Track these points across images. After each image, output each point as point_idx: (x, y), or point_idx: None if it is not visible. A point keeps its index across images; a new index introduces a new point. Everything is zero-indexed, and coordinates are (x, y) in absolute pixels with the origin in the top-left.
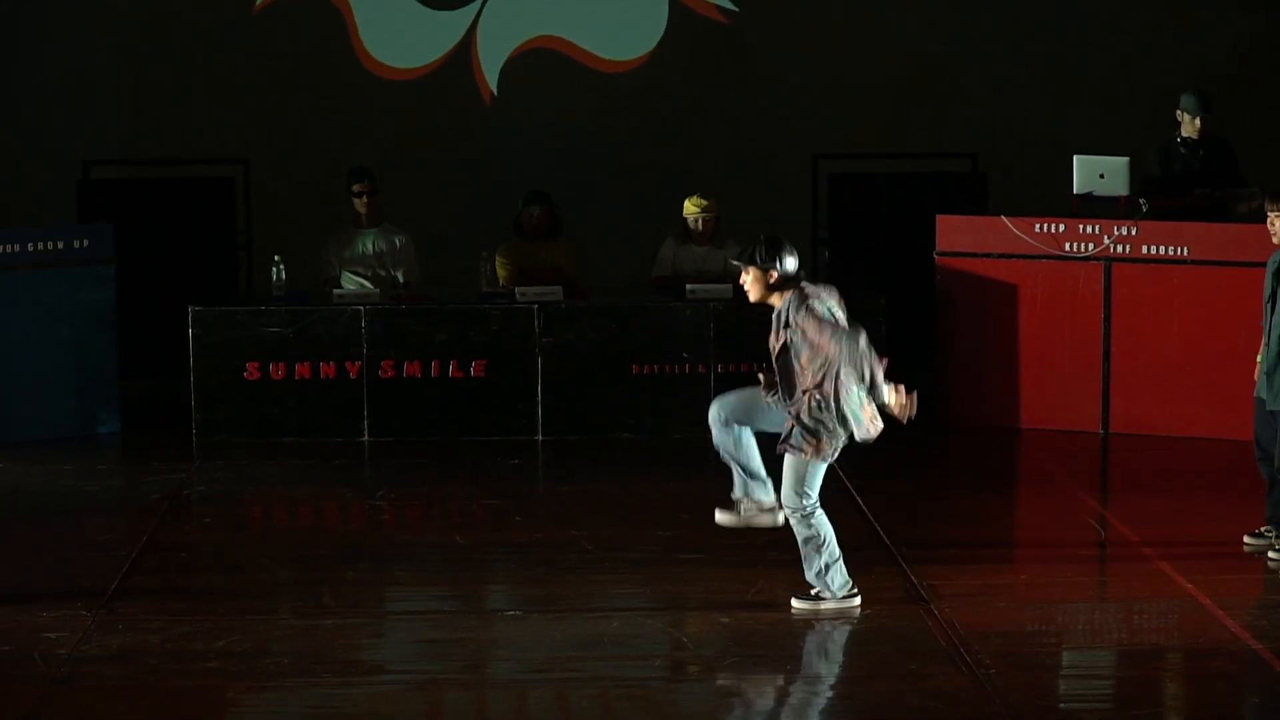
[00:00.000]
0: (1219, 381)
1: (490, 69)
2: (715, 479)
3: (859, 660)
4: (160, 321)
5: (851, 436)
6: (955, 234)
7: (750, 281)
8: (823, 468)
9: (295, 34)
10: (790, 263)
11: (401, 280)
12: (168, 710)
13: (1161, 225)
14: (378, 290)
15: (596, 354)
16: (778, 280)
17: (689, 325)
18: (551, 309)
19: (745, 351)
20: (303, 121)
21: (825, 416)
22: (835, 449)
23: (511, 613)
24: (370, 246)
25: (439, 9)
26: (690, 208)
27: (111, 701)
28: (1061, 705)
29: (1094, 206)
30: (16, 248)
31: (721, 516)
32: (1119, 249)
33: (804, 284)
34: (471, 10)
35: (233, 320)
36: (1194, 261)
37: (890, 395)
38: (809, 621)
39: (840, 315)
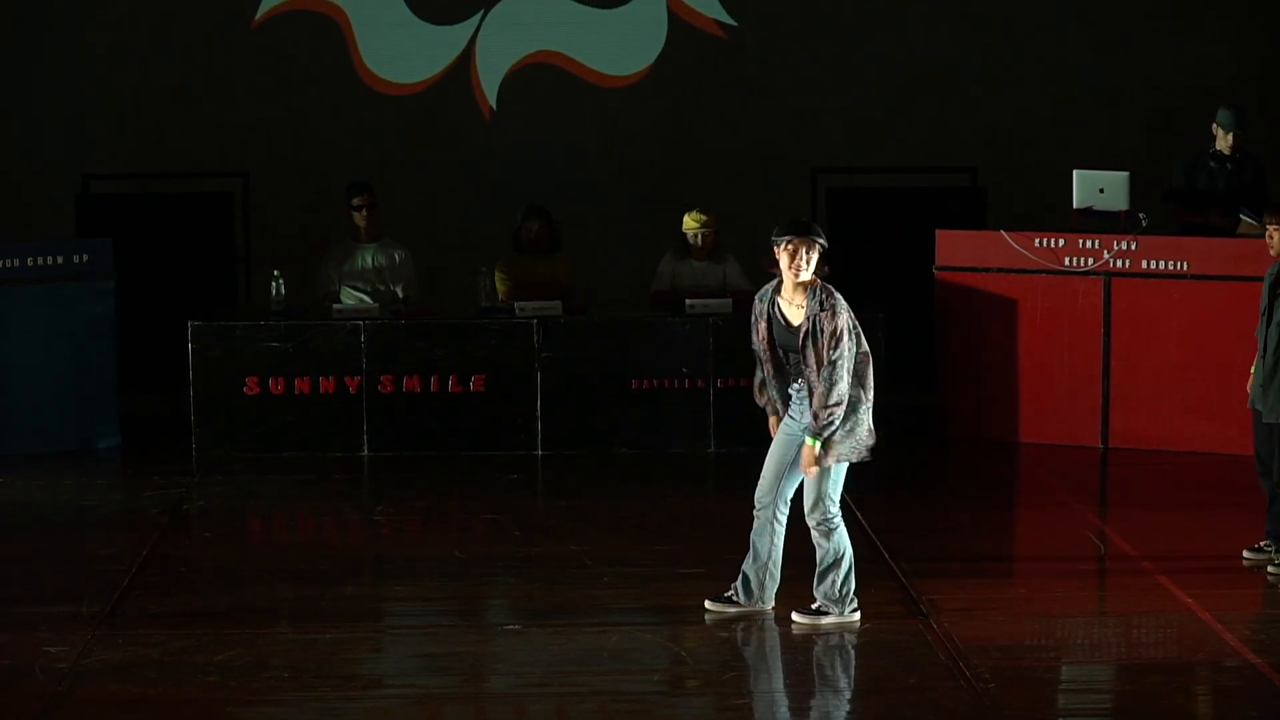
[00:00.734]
0: (1218, 396)
1: (489, 84)
2: (714, 492)
3: (858, 674)
4: (160, 336)
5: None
6: (954, 248)
7: (805, 261)
8: (844, 472)
9: (294, 49)
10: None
11: (401, 295)
12: None
13: (1161, 240)
14: (377, 305)
15: (595, 369)
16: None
17: (688, 340)
18: (551, 324)
19: (744, 366)
20: (302, 136)
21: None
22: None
23: (510, 627)
24: (370, 261)
25: (438, 24)
26: (689, 223)
27: (111, 715)
28: (1060, 719)
29: (1093, 221)
30: (16, 263)
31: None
32: (1118, 264)
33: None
34: (470, 25)
35: (232, 335)
36: (1193, 276)
37: None
38: (808, 636)
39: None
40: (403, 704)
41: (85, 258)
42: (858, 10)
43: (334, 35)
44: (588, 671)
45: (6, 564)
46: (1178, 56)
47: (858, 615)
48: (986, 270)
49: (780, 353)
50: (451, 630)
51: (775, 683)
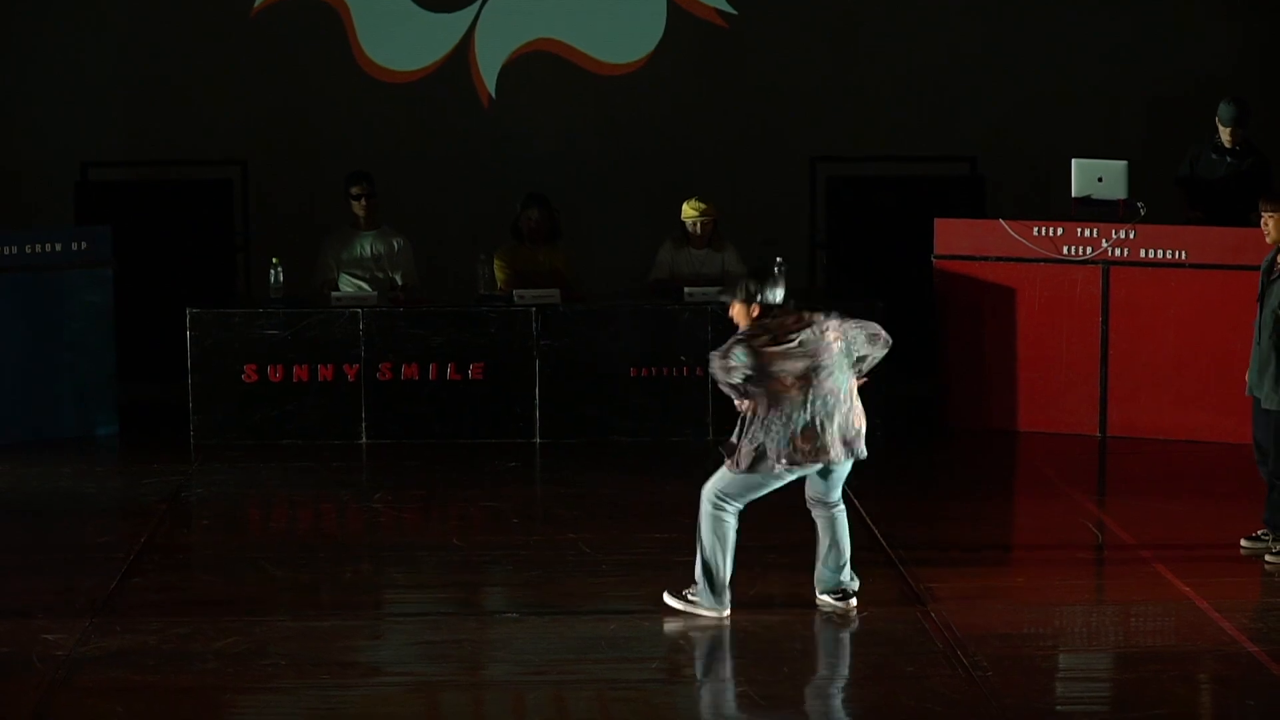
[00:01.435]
0: (1217, 385)
1: (488, 72)
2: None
3: (856, 662)
4: (158, 324)
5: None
6: (953, 237)
7: (736, 315)
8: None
9: (293, 36)
10: (774, 294)
11: (400, 283)
12: (166, 712)
13: (1159, 229)
14: (376, 293)
15: (594, 357)
16: (761, 313)
17: (687, 329)
18: (549, 312)
19: None
20: (301, 124)
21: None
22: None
23: (509, 615)
24: (368, 249)
25: (437, 12)
26: (688, 211)
27: (109, 703)
28: (1058, 708)
29: (1092, 210)
30: (14, 250)
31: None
32: (1117, 252)
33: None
34: (470, 13)
35: (231, 323)
36: (1192, 265)
37: None
38: (807, 623)
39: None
40: (400, 692)
41: (84, 245)
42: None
43: (333, 23)
44: (586, 659)
45: (5, 552)
46: (1177, 45)
47: (704, 610)
48: (985, 259)
49: None
50: (450, 618)
51: (773, 671)
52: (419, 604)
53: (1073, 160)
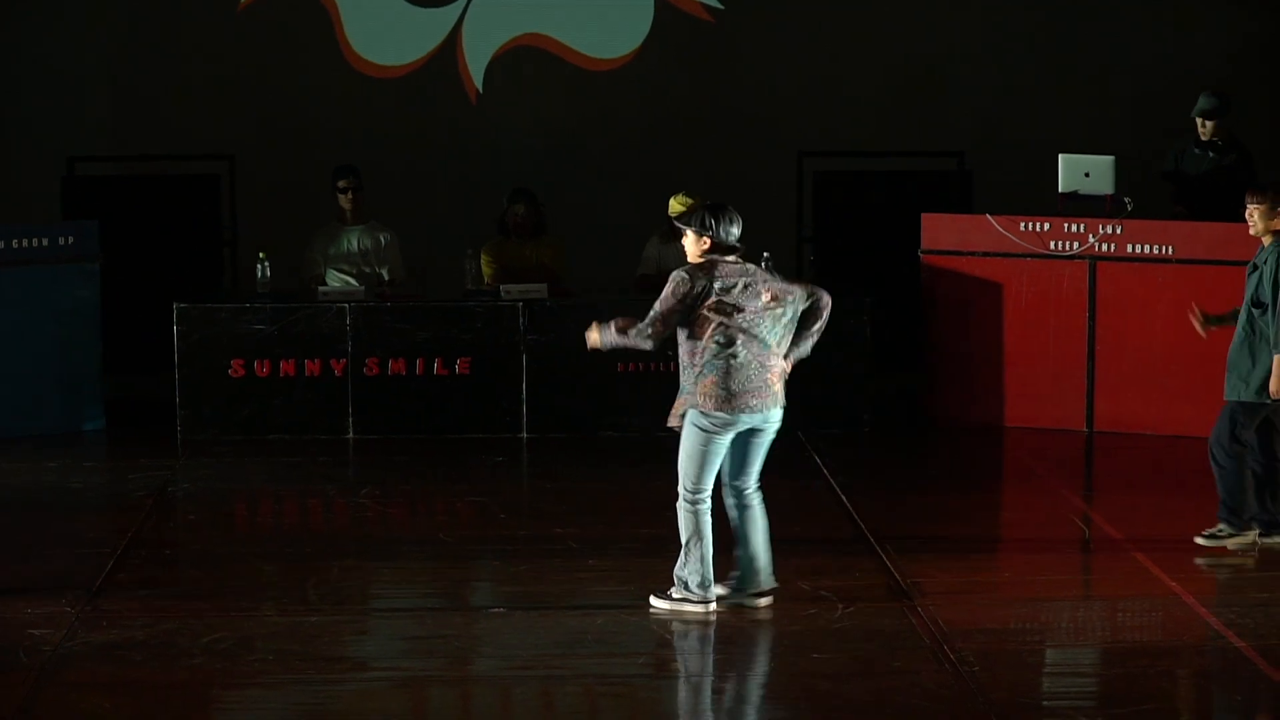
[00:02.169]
0: (1203, 380)
1: (475, 67)
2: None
3: (843, 657)
4: (145, 318)
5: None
6: (940, 232)
7: (688, 244)
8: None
9: (281, 31)
10: (728, 230)
11: (386, 278)
12: (152, 706)
13: (1146, 224)
14: (363, 288)
15: (581, 352)
16: (711, 247)
17: None
18: (536, 307)
19: None
20: (288, 118)
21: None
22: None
23: (496, 610)
24: (355, 244)
25: (424, 6)
26: (675, 206)
27: (96, 698)
28: (1045, 703)
29: (1079, 205)
30: (1, 245)
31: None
32: (1104, 248)
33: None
34: (457, 8)
35: (217, 317)
36: (1179, 260)
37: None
38: (794, 619)
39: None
40: (387, 687)
41: (71, 240)
42: None
43: (320, 18)
44: (573, 655)
45: None
46: (1164, 40)
47: (694, 606)
48: (972, 254)
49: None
50: (436, 613)
51: (760, 666)
52: (406, 599)
53: (1060, 155)
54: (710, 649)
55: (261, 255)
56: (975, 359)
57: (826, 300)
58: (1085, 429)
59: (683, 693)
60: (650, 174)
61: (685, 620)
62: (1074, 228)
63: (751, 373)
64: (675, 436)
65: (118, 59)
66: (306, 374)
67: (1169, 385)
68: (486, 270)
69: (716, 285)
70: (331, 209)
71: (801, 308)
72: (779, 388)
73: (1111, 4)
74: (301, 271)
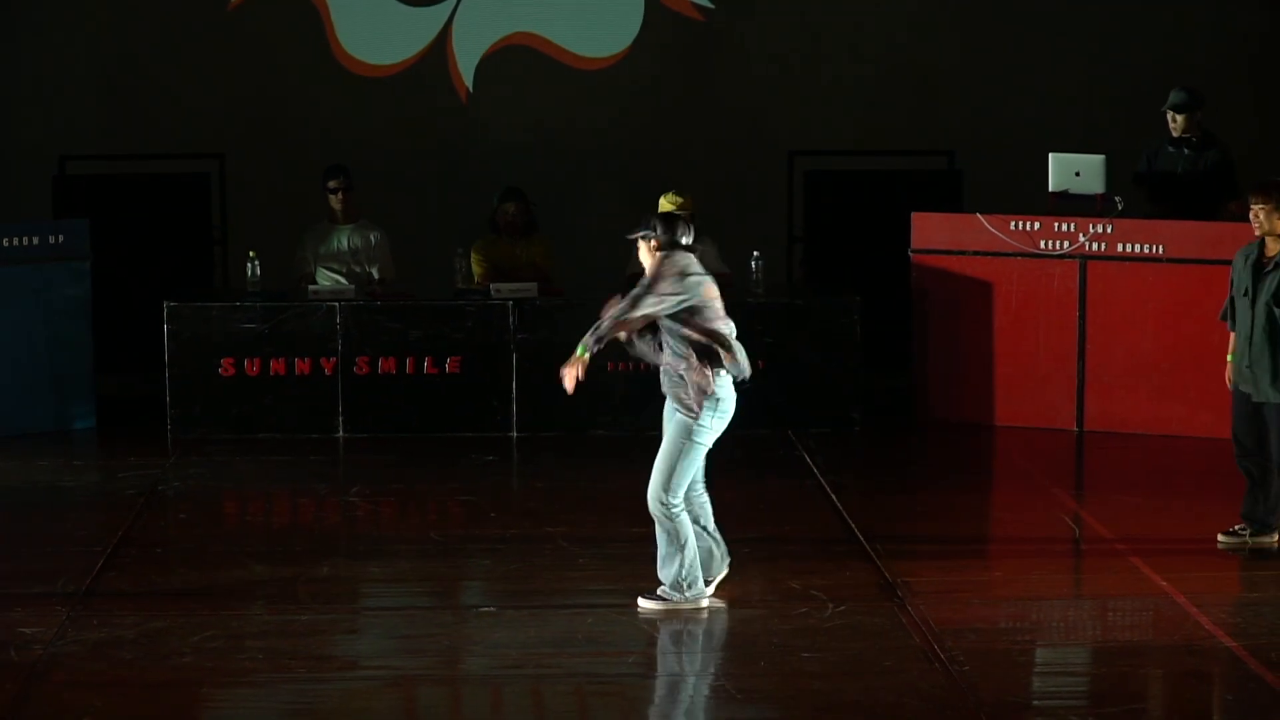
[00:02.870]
0: (1194, 379)
1: (466, 66)
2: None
3: (833, 656)
4: (135, 317)
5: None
6: (931, 231)
7: (642, 253)
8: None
9: (271, 29)
10: (677, 234)
11: (377, 277)
12: (142, 705)
13: (1137, 223)
14: (353, 287)
15: (571, 350)
16: (659, 246)
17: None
18: (527, 306)
19: None
20: (278, 117)
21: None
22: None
23: (486, 609)
24: (345, 243)
25: (414, 5)
26: (665, 205)
27: (86, 696)
28: (1035, 702)
29: (1070, 204)
30: None
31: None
32: (1094, 247)
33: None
34: (447, 7)
35: (208, 316)
36: (1169, 260)
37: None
38: (784, 617)
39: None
40: (378, 686)
41: (61, 238)
42: None
43: (311, 17)
44: (563, 653)
45: None
46: (1155, 39)
47: (685, 605)
48: (962, 253)
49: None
50: (427, 612)
51: (750, 665)
52: (396, 598)
53: (1050, 154)
54: (700, 648)
55: (252, 254)
56: (966, 358)
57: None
58: (1075, 428)
59: (673, 692)
60: (640, 173)
61: (676, 619)
62: (1064, 227)
63: None
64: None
65: (108, 58)
66: (297, 373)
67: (1159, 384)
68: (477, 269)
69: None
70: (322, 208)
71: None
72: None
73: (1101, 2)
74: (291, 270)
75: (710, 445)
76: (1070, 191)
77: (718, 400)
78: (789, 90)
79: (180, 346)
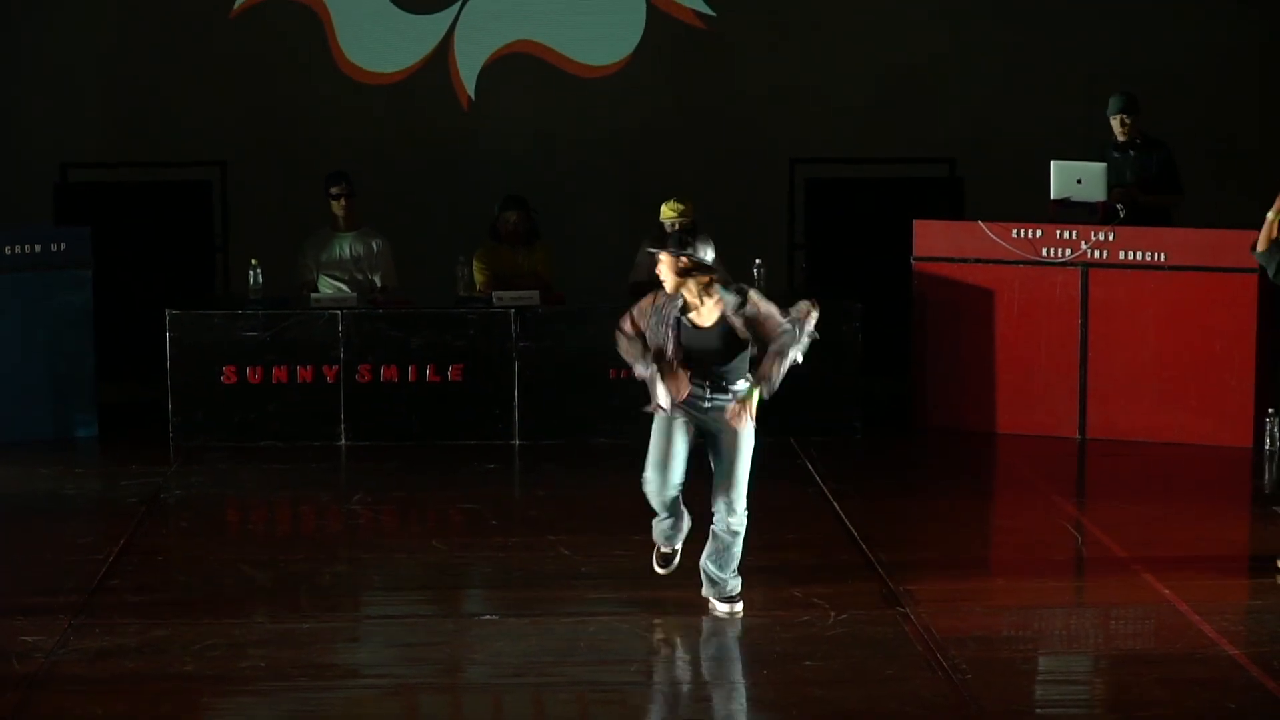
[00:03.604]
0: (1196, 387)
1: (468, 73)
2: (692, 482)
3: (835, 665)
4: (137, 325)
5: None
6: (932, 239)
7: (664, 269)
8: None
9: (273, 38)
10: (705, 252)
11: (379, 284)
12: (144, 713)
13: (1139, 231)
14: (355, 294)
15: (573, 359)
16: (688, 265)
17: None
18: (528, 314)
19: None
20: (280, 125)
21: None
22: None
23: (488, 617)
24: (347, 250)
25: (416, 13)
26: (666, 212)
27: (88, 704)
28: (1038, 711)
29: (1071, 212)
30: None
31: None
32: (1096, 254)
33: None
34: (449, 15)
35: (210, 324)
36: (1171, 267)
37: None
38: (785, 625)
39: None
40: (379, 694)
41: (63, 246)
42: (835, 1)
43: (313, 24)
44: (565, 662)
45: None
46: (1156, 47)
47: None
48: (964, 261)
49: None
50: (428, 620)
51: (753, 674)
52: (398, 606)
53: (1051, 162)
54: (702, 657)
55: (254, 262)
56: (967, 366)
57: None
58: (1077, 436)
59: (675, 700)
60: (641, 181)
61: (678, 628)
62: (1066, 235)
63: None
64: None
65: (110, 65)
66: (299, 380)
67: (1161, 392)
68: (479, 277)
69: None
70: (323, 216)
71: None
72: None
73: (1102, 10)
74: (293, 278)
75: None
76: (1072, 199)
77: None
78: (790, 98)
79: (182, 354)
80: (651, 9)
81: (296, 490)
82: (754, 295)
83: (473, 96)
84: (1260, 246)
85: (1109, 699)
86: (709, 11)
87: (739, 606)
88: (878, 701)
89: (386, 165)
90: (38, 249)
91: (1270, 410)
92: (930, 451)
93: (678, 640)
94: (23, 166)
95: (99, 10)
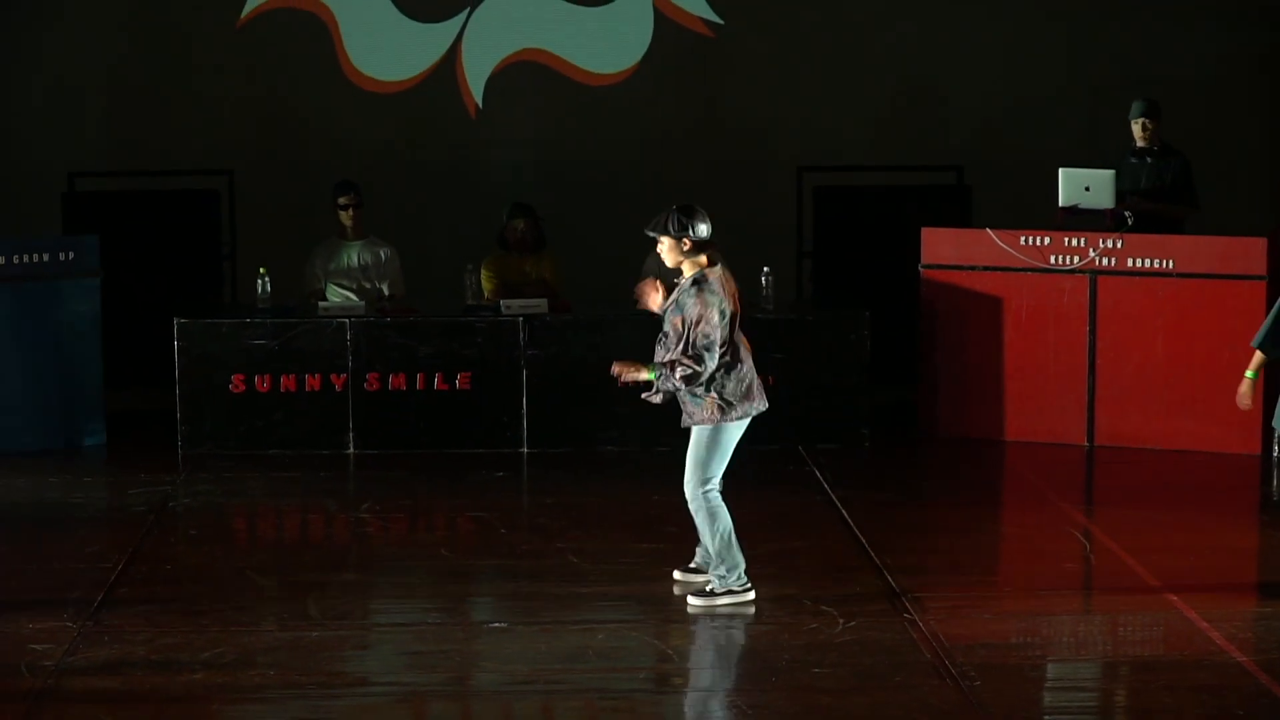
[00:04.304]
0: (1204, 395)
1: (475, 82)
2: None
3: (843, 672)
4: (145, 333)
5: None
6: (940, 246)
7: (665, 250)
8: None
9: (280, 46)
10: (703, 229)
11: (387, 293)
12: None
13: (1147, 238)
14: (363, 303)
15: (581, 366)
16: (692, 247)
17: None
18: (536, 322)
19: None
20: (288, 134)
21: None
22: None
23: (496, 625)
24: (355, 259)
25: (424, 21)
26: None
27: (97, 713)
28: (1046, 717)
29: (1079, 219)
30: (1, 260)
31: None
32: (1104, 262)
33: (710, 270)
34: (456, 23)
35: (218, 332)
36: (1179, 275)
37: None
38: (795, 633)
39: (722, 318)
40: (388, 702)
41: (71, 255)
42: (843, 8)
43: (320, 33)
44: (574, 669)
45: None
46: (1165, 54)
47: (735, 597)
48: (972, 268)
49: None
50: (437, 628)
51: (761, 680)
52: (406, 614)
53: (1060, 169)
54: (711, 663)
55: (262, 270)
56: (975, 373)
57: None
58: (1086, 443)
59: (684, 707)
60: (649, 188)
61: (686, 634)
62: (1074, 242)
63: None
64: (676, 452)
65: (117, 74)
66: (307, 389)
67: (1169, 399)
68: (487, 285)
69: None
70: (331, 224)
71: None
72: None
73: (1110, 17)
74: (301, 287)
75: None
76: (1080, 206)
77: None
78: (798, 105)
79: (190, 363)
80: (659, 17)
81: (305, 498)
82: (671, 257)
83: (480, 105)
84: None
85: (1117, 705)
86: (717, 20)
87: (700, 601)
88: (886, 708)
89: (394, 173)
90: (46, 258)
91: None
92: (938, 459)
93: (686, 647)
94: (31, 176)
95: (107, 19)
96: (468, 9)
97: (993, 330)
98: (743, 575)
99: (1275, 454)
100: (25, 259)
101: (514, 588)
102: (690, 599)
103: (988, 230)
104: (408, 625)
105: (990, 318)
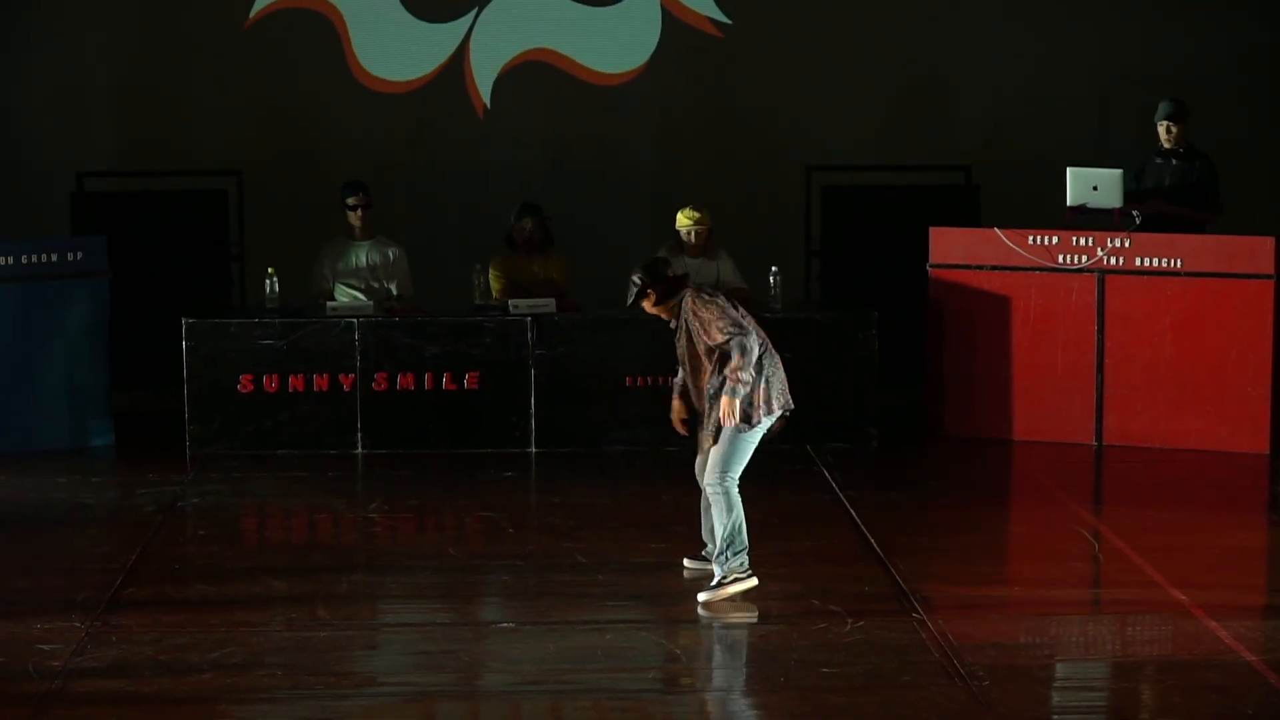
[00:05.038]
0: (1212, 394)
1: (483, 82)
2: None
3: (852, 672)
4: (153, 334)
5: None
6: (948, 246)
7: (651, 310)
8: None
9: (288, 46)
10: (662, 269)
11: (395, 293)
12: None
13: (1155, 237)
14: (371, 303)
15: (589, 366)
16: (665, 289)
17: None
18: (544, 322)
19: None
20: (296, 134)
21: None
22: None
23: (504, 625)
24: (364, 259)
25: (432, 22)
26: (683, 220)
27: (105, 713)
28: (1055, 717)
29: (1087, 219)
30: (10, 260)
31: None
32: (1112, 261)
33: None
34: (464, 23)
35: (226, 332)
36: (1188, 274)
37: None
38: (803, 633)
39: (716, 298)
40: (397, 702)
41: (79, 255)
42: (851, 8)
43: (328, 33)
44: (582, 669)
45: (0, 562)
46: (1174, 54)
47: (742, 585)
48: (980, 268)
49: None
50: (446, 628)
51: (770, 681)
52: (415, 614)
53: (1068, 169)
54: (719, 663)
55: (271, 270)
56: (983, 373)
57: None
58: (1094, 442)
59: (692, 708)
60: (658, 188)
61: (695, 635)
62: (1082, 241)
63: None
64: (684, 451)
65: (125, 75)
66: (315, 389)
67: (1177, 399)
68: (495, 285)
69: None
70: (340, 224)
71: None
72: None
73: (1119, 18)
74: (310, 287)
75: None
76: (1088, 206)
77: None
78: (806, 105)
79: (199, 363)
80: (667, 17)
81: (313, 498)
82: (691, 311)
83: (488, 105)
84: None
85: (1126, 705)
86: (724, 19)
87: (707, 596)
88: (895, 708)
89: (402, 173)
90: (54, 258)
91: None
92: (947, 458)
93: (694, 647)
94: (39, 176)
95: (114, 19)
96: (475, 9)
97: (1001, 330)
98: (745, 561)
99: None
100: (34, 259)
101: (522, 588)
102: (699, 597)
103: (995, 230)
104: (416, 625)
105: (998, 317)
